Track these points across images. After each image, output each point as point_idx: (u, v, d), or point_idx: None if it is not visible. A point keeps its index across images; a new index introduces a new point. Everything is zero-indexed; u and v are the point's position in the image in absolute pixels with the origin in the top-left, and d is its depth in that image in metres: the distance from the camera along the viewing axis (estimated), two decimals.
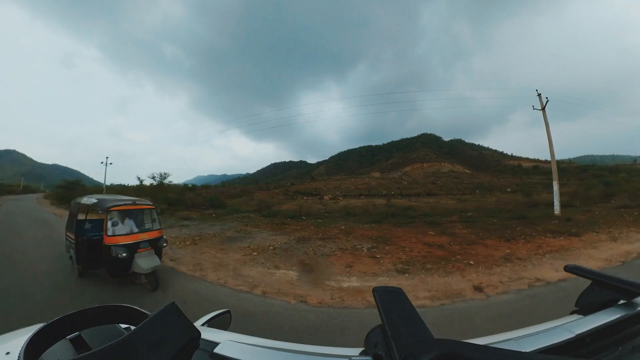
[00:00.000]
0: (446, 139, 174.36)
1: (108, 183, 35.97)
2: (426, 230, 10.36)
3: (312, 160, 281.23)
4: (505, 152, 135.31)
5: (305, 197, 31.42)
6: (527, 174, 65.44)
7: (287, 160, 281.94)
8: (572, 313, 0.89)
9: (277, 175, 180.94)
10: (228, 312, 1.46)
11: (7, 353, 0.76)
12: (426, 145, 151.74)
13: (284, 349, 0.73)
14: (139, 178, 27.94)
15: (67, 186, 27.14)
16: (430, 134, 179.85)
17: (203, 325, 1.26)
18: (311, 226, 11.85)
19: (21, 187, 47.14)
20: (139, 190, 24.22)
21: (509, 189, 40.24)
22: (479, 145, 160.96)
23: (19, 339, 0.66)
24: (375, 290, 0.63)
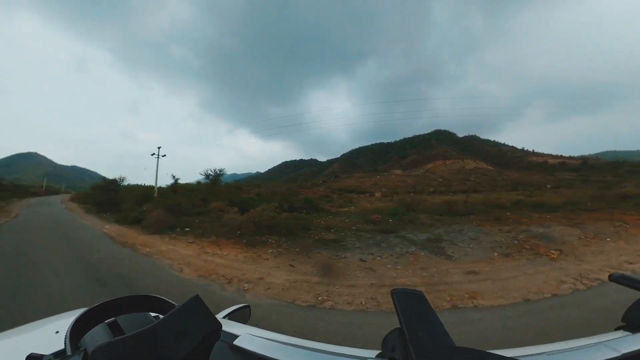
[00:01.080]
0: (460, 135, 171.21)
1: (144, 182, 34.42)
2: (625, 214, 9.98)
3: (321, 158, 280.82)
4: (525, 148, 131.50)
5: (357, 195, 30.49)
6: (557, 171, 63.01)
7: (297, 158, 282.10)
8: (617, 329, 0.81)
9: (288, 173, 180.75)
10: (247, 306, 1.56)
11: (57, 332, 0.91)
12: (441, 142, 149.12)
13: (300, 345, 0.75)
14: (173, 176, 26.44)
15: (106, 187, 18.23)
16: (444, 131, 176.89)
17: (224, 318, 1.31)
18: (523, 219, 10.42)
19: (44, 187, 46.47)
20: (198, 191, 20.33)
21: (548, 185, 38.56)
22: (494, 141, 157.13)
23: (66, 320, 0.72)
24: (394, 292, 0.61)
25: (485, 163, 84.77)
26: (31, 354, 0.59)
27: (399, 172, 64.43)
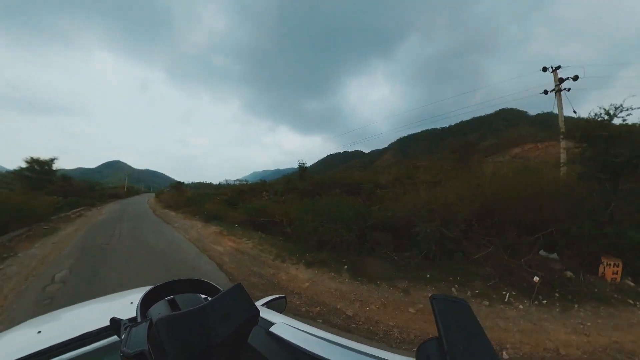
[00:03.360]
0: (532, 113, 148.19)
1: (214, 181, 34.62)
2: None
3: (364, 149, 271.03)
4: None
5: None
6: None
7: (336, 151, 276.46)
8: None
9: (337, 166, 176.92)
10: (284, 297, 1.65)
11: (131, 302, 1.29)
12: (510, 123, 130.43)
13: (333, 341, 0.75)
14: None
15: (258, 188, 17.12)
16: (512, 109, 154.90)
17: (262, 305, 1.39)
18: None
19: (125, 188, 47.61)
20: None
21: None
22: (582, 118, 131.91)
23: (138, 294, 0.84)
24: (434, 298, 0.57)
25: None
26: (113, 317, 0.73)
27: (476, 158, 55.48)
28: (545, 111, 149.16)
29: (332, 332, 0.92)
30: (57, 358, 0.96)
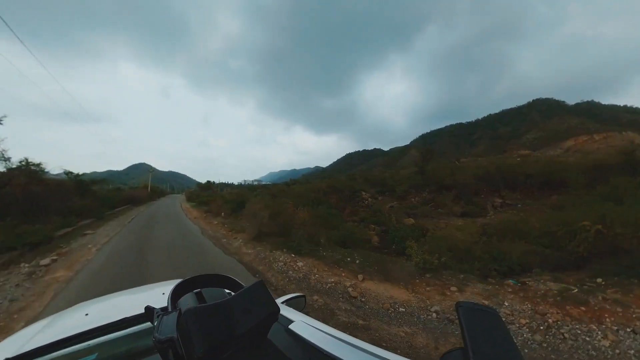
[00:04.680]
0: (570, 103, 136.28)
1: (239, 180, 29.73)
2: None
3: (381, 147, 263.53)
4: None
5: None
6: None
7: (354, 150, 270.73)
8: None
9: (357, 166, 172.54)
10: (303, 296, 1.77)
11: (163, 293, 1.42)
12: (546, 114, 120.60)
13: (351, 343, 0.79)
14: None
15: (340, 185, 13.89)
16: (548, 99, 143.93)
17: (282, 303, 1.46)
18: None
19: (149, 188, 39.05)
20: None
21: None
22: (633, 107, 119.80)
23: (169, 286, 0.87)
24: (460, 306, 0.55)
25: None
26: (147, 306, 0.78)
27: (526, 151, 50.41)
28: (585, 100, 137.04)
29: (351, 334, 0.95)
30: (101, 338, 1.12)
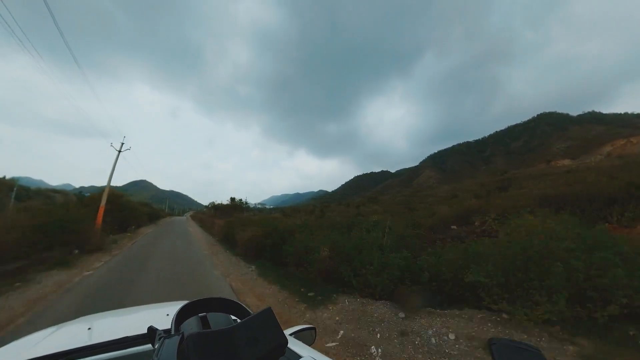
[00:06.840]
0: (572, 114, 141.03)
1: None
2: None
3: (390, 169, 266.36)
4: None
5: None
6: None
7: (366, 172, 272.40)
8: None
9: (367, 189, 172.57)
10: (313, 328, 1.60)
11: (167, 315, 1.42)
12: (554, 127, 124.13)
13: None
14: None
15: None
16: (553, 113, 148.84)
17: (290, 335, 1.38)
18: None
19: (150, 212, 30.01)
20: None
21: None
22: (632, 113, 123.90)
23: (174, 307, 0.87)
24: (493, 343, 0.50)
25: None
26: (150, 326, 0.76)
27: (566, 162, 50.86)
28: (586, 110, 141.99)
29: None
30: (101, 356, 1.06)
